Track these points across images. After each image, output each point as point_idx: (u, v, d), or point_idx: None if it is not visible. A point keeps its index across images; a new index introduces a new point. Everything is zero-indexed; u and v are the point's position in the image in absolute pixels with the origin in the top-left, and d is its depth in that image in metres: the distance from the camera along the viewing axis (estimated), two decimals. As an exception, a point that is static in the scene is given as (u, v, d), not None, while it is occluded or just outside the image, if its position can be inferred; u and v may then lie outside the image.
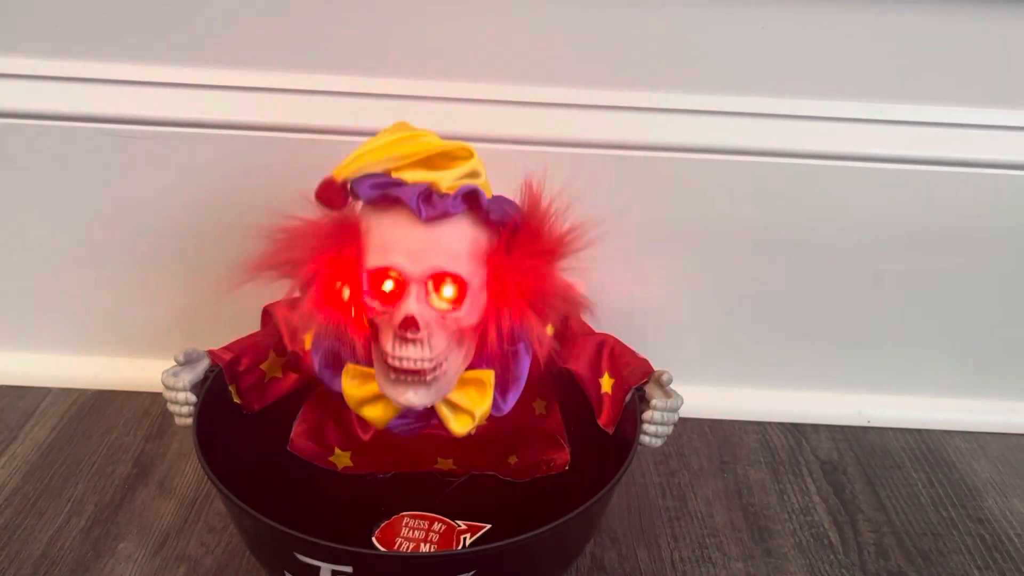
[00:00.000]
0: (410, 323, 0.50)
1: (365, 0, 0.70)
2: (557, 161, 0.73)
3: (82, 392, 0.82)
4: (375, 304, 0.53)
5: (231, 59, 0.72)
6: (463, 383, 0.56)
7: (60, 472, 0.73)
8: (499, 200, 0.54)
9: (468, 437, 0.72)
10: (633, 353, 0.65)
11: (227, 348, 0.65)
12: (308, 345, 0.62)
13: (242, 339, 0.66)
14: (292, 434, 0.70)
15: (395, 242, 0.52)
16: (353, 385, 0.57)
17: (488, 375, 0.57)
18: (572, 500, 0.55)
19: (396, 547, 0.63)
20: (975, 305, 0.82)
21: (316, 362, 0.60)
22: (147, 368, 0.79)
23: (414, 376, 0.52)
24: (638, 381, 0.62)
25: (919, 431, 0.84)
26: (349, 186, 0.52)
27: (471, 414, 0.57)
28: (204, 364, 0.62)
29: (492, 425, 0.72)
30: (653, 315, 0.82)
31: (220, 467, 0.57)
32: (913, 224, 0.77)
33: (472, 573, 0.50)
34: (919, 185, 0.75)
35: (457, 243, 0.52)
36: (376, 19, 0.71)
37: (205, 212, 0.77)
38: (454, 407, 0.57)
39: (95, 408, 0.81)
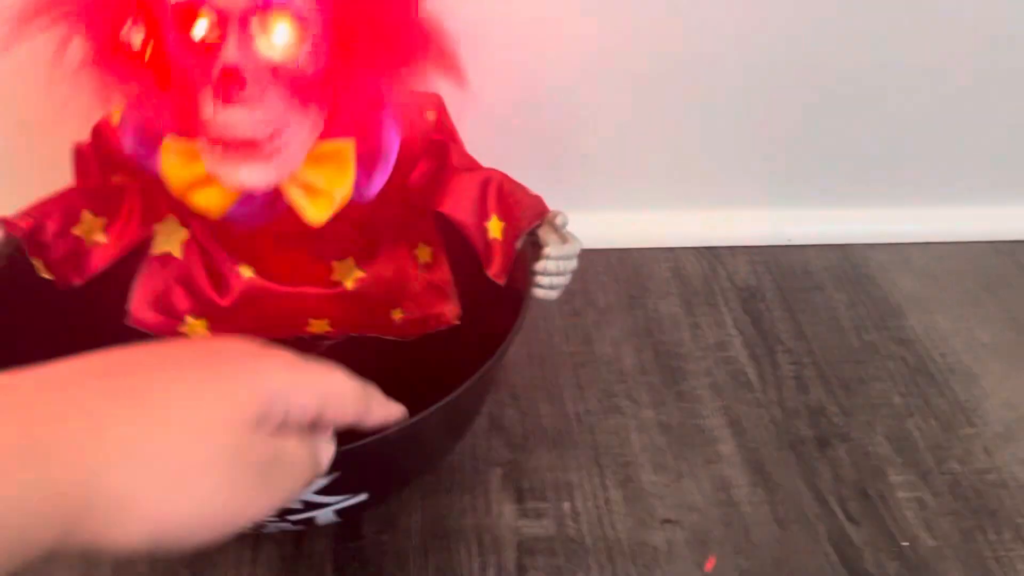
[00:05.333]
0: (232, 76, 0.39)
1: None
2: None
3: None
4: (185, 55, 0.41)
5: None
6: (315, 158, 0.46)
7: None
8: None
9: (344, 293, 0.63)
10: (524, 190, 0.56)
11: (26, 213, 0.52)
12: (116, 121, 0.49)
13: (46, 199, 0.54)
14: (131, 304, 0.59)
15: None
16: (176, 164, 0.45)
17: (347, 145, 0.46)
18: (461, 358, 0.48)
19: (262, 430, 0.54)
20: (894, 107, 0.73)
21: (128, 142, 0.48)
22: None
23: (246, 148, 0.42)
24: (530, 224, 0.53)
25: (841, 246, 0.78)
26: None
27: (329, 195, 0.47)
28: (-6, 236, 0.50)
29: (371, 278, 0.63)
30: (548, 135, 0.71)
31: (33, 360, 0.47)
32: (824, 15, 0.67)
33: (336, 475, 0.43)
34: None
35: None
36: None
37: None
38: (307, 188, 0.46)
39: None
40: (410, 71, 0.42)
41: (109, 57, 0.40)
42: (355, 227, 0.60)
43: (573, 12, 0.65)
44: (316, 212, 0.46)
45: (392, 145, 0.49)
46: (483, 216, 0.56)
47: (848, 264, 0.76)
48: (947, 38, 0.69)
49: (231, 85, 0.39)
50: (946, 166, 0.78)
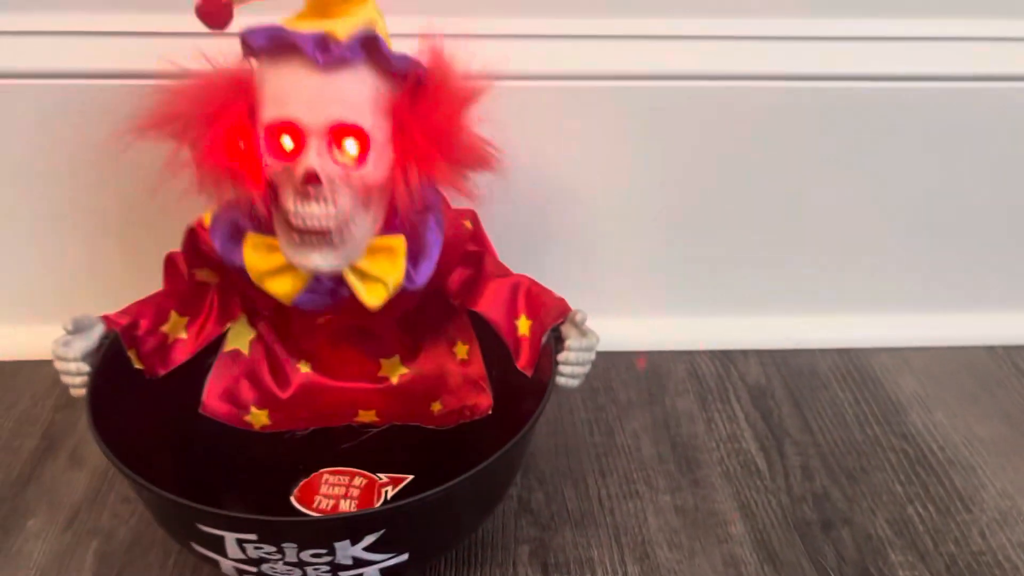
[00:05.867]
0: (311, 177, 0.49)
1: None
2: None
3: (-15, 363, 0.79)
4: (274, 162, 0.51)
5: (116, 3, 0.67)
6: (372, 251, 0.55)
7: (-36, 449, 0.70)
8: (401, 54, 0.52)
9: (390, 387, 0.71)
10: (549, 293, 0.64)
11: (124, 312, 0.61)
12: (207, 222, 0.59)
13: (141, 301, 0.63)
14: (204, 396, 0.67)
15: (292, 92, 0.50)
16: (256, 256, 0.56)
17: (399, 241, 0.56)
18: (495, 444, 0.54)
19: (315, 505, 0.61)
20: (898, 221, 0.81)
21: (217, 239, 0.57)
22: (53, 335, 0.76)
23: (319, 236, 0.52)
24: (554, 321, 0.61)
25: (846, 350, 0.84)
26: (242, 37, 0.50)
27: (383, 283, 0.56)
28: (98, 331, 0.59)
29: (414, 374, 0.71)
30: (577, 249, 0.80)
31: (127, 436, 0.55)
32: (835, 142, 0.76)
33: (382, 532, 0.49)
34: (840, 102, 0.74)
35: (358, 92, 0.50)
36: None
37: (101, 168, 0.73)
38: (365, 276, 0.56)
39: None
40: (458, 177, 0.53)
41: (219, 159, 0.50)
42: (402, 327, 0.69)
43: (601, 145, 0.75)
44: (372, 297, 0.56)
45: (436, 242, 0.58)
46: (513, 315, 0.64)
47: (852, 366, 0.82)
48: (945, 163, 0.78)
49: (310, 183, 0.49)
50: (944, 275, 0.85)
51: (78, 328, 0.58)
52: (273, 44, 0.50)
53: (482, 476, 0.51)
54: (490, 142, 0.54)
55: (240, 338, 0.69)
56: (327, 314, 0.66)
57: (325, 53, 0.49)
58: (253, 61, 0.52)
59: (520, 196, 0.76)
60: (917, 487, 0.69)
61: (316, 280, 0.56)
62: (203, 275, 0.64)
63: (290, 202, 0.51)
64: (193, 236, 0.60)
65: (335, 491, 0.62)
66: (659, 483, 0.68)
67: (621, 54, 0.71)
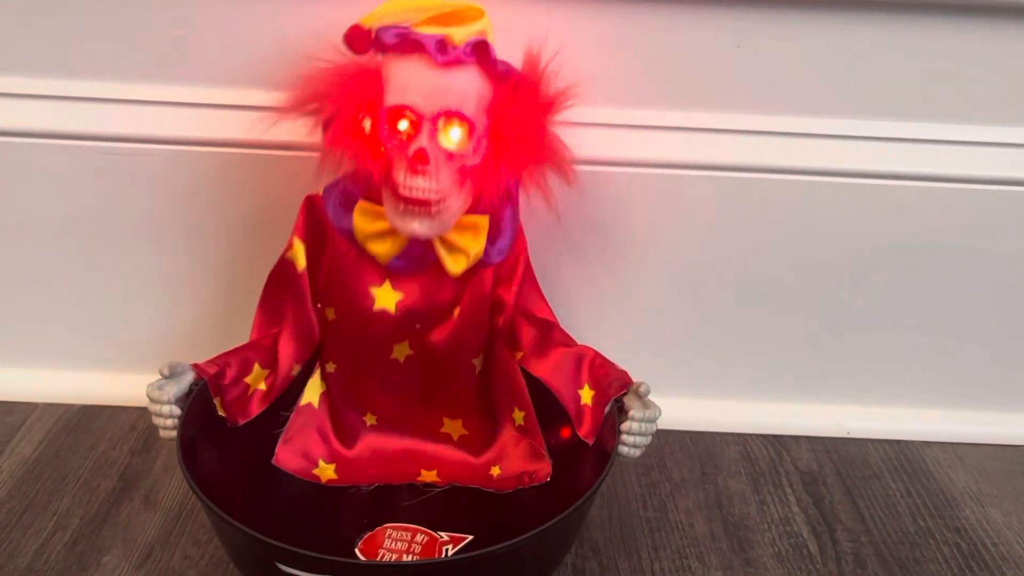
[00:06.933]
0: (421, 155, 0.58)
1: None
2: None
3: (68, 407, 0.83)
4: (391, 140, 0.60)
5: (215, 77, 0.74)
6: (460, 227, 0.64)
7: (46, 486, 0.73)
8: (505, 62, 0.61)
9: (451, 450, 0.74)
10: (613, 365, 0.66)
11: (212, 361, 0.65)
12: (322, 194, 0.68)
13: (227, 352, 0.67)
14: (277, 448, 0.71)
15: (412, 83, 0.59)
16: (364, 220, 0.65)
17: (483, 220, 0.65)
18: (554, 511, 0.56)
19: (379, 558, 0.63)
20: (954, 318, 0.83)
21: (329, 205, 0.66)
22: (133, 383, 0.79)
23: (421, 207, 0.60)
24: (617, 392, 0.63)
25: (898, 442, 0.85)
26: (374, 34, 0.59)
27: (466, 253, 0.65)
28: (189, 377, 0.63)
29: (474, 437, 0.73)
30: (636, 328, 0.83)
31: (204, 479, 0.58)
32: (894, 238, 0.79)
33: (451, 582, 0.51)
34: (900, 200, 0.77)
35: (467, 88, 0.60)
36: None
37: (189, 228, 0.78)
38: (451, 247, 0.65)
39: (81, 423, 0.81)
40: (539, 169, 0.62)
41: (347, 135, 0.61)
42: (465, 388, 0.72)
43: (667, 230, 0.79)
44: (454, 265, 0.65)
45: (511, 228, 0.67)
46: (577, 385, 0.66)
47: (904, 458, 0.83)
48: (999, 262, 0.80)
49: (419, 161, 0.58)
50: (998, 372, 0.86)
51: (173, 373, 0.62)
52: (401, 42, 0.59)
53: (547, 536, 0.54)
54: (568, 149, 0.63)
55: (313, 392, 0.72)
56: (405, 337, 0.70)
57: (443, 53, 0.58)
58: (380, 56, 0.61)
59: (586, 272, 0.80)
60: (971, 581, 0.69)
61: (409, 246, 0.65)
62: (295, 252, 0.69)
63: (400, 176, 0.59)
64: (310, 203, 0.68)
65: (398, 546, 0.64)
66: (711, 560, 0.69)
67: (705, 146, 0.76)
